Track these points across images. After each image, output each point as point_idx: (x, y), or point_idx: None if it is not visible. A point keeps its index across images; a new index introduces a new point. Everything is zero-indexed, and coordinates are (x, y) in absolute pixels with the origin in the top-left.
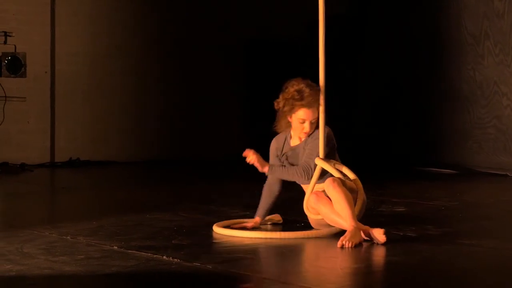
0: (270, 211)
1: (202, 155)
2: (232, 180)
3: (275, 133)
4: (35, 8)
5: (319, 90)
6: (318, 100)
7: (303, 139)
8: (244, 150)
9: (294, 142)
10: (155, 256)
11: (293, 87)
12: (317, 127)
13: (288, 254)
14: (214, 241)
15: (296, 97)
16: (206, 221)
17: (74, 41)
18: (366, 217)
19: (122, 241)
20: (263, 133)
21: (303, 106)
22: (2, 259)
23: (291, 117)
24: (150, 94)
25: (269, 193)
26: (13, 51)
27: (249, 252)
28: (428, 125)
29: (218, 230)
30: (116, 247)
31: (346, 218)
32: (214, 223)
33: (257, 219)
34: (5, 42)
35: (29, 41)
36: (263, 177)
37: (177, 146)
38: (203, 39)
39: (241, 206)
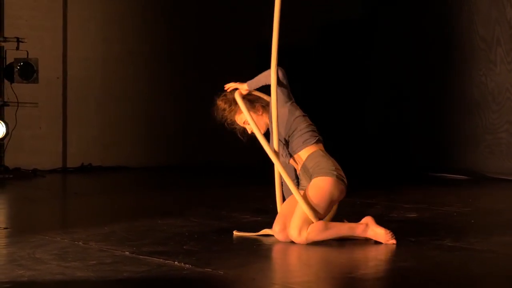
0: None
1: (213, 160)
2: (243, 186)
3: None
4: (47, 14)
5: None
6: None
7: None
8: (256, 156)
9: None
10: (166, 261)
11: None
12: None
13: (299, 260)
14: (225, 246)
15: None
16: (218, 226)
17: (86, 46)
18: (378, 223)
19: (133, 247)
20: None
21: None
22: (14, 264)
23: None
24: (161, 99)
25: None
26: (25, 57)
27: (262, 257)
28: (439, 130)
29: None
30: (127, 253)
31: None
32: (225, 228)
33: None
34: (17, 48)
35: (41, 47)
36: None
37: (189, 152)
38: (215, 44)
39: (252, 212)
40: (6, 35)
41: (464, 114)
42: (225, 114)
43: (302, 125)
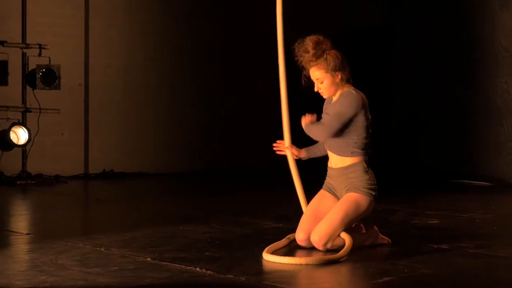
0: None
1: (235, 166)
2: (265, 192)
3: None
4: (69, 21)
5: (317, 49)
6: (315, 61)
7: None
8: (277, 161)
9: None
10: (188, 268)
11: (304, 43)
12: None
13: (321, 266)
14: (247, 253)
15: (301, 56)
16: (239, 233)
17: (108, 53)
18: (400, 229)
19: (155, 253)
20: (297, 143)
21: (306, 66)
22: (37, 270)
23: None
24: (183, 106)
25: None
26: (48, 63)
27: (284, 264)
28: (461, 137)
29: (268, 257)
30: (149, 259)
31: None
32: (247, 235)
33: (304, 149)
34: (39, 55)
35: (64, 53)
36: (294, 189)
37: (211, 158)
38: (237, 51)
39: (274, 218)
40: (28, 41)
41: (486, 121)
42: (305, 58)
43: (362, 134)
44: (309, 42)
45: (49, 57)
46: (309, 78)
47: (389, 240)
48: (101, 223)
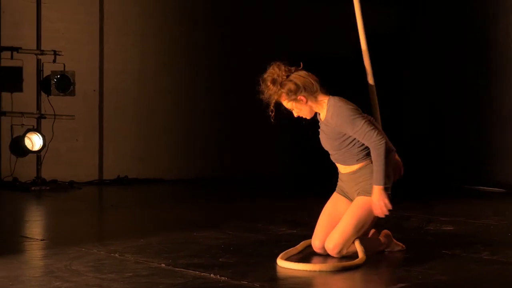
0: None
1: (249, 172)
2: (279, 198)
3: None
4: (84, 27)
5: (274, 82)
6: (277, 93)
7: (323, 117)
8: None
9: (321, 117)
10: (202, 274)
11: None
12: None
13: (336, 273)
14: (261, 259)
15: (264, 90)
16: (254, 239)
17: (123, 59)
18: (414, 236)
19: (169, 259)
20: (310, 150)
21: (272, 98)
22: (51, 276)
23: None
24: (197, 112)
25: None
26: (62, 69)
27: (299, 270)
28: (475, 143)
29: (283, 264)
30: (163, 265)
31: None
32: (261, 241)
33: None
34: (54, 61)
35: (78, 59)
36: (309, 195)
37: (225, 164)
38: (252, 56)
39: (288, 224)
40: (43, 48)
41: (500, 127)
42: (266, 95)
43: (359, 141)
44: (266, 78)
45: (64, 63)
46: (284, 109)
47: (404, 246)
48: (115, 229)
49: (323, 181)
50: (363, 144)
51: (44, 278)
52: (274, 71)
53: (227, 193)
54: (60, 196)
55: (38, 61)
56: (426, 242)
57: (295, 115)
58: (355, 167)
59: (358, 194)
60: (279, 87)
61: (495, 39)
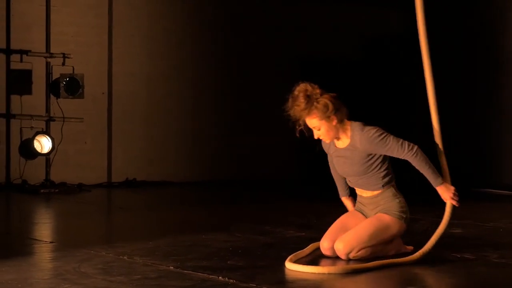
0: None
1: (258, 175)
2: (287, 201)
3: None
4: (92, 30)
5: (308, 99)
6: (307, 109)
7: (346, 143)
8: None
9: (339, 144)
10: (210, 276)
11: (292, 95)
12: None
13: (344, 276)
14: (270, 261)
15: (292, 107)
16: (262, 241)
17: (131, 62)
18: (423, 238)
19: (178, 262)
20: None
21: (298, 116)
22: (60, 278)
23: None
24: (206, 115)
25: (338, 175)
26: (71, 72)
27: (307, 272)
28: (486, 145)
29: (291, 266)
30: (172, 268)
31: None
32: (270, 243)
33: (344, 199)
34: (63, 64)
35: (87, 62)
36: (317, 198)
37: (234, 167)
38: (260, 60)
39: (296, 227)
40: (52, 51)
41: (508, 130)
42: (296, 111)
43: (386, 164)
44: (299, 94)
45: (73, 66)
46: (305, 128)
47: (412, 249)
48: (124, 232)
49: (330, 184)
50: (387, 168)
51: (53, 280)
52: (307, 88)
53: (236, 196)
54: (69, 198)
55: (47, 64)
56: (435, 245)
57: (317, 135)
58: (376, 192)
59: (378, 212)
60: (314, 103)
61: (506, 43)
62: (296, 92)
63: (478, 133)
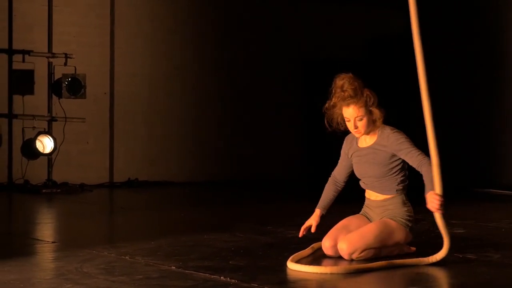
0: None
1: (260, 175)
2: (289, 201)
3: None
4: (94, 30)
5: (355, 87)
6: (355, 97)
7: (371, 142)
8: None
9: (362, 143)
10: (212, 276)
11: (335, 83)
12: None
13: (347, 276)
14: (271, 262)
15: (337, 94)
16: (264, 241)
17: (133, 62)
18: (425, 238)
19: (180, 262)
20: (321, 153)
21: (343, 103)
22: (62, 278)
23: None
24: (208, 115)
25: (333, 187)
26: (73, 72)
27: (308, 272)
28: (487, 145)
29: (293, 266)
30: (174, 267)
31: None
32: (271, 244)
33: (317, 211)
34: (65, 64)
35: (89, 62)
36: (318, 198)
37: (236, 167)
38: (262, 60)
39: (298, 227)
40: (54, 51)
41: (510, 130)
42: (343, 96)
43: (404, 170)
44: (347, 80)
45: (75, 66)
46: (334, 120)
47: (414, 249)
48: (126, 232)
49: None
50: (404, 175)
51: (55, 280)
52: (351, 78)
53: (237, 196)
54: (71, 198)
55: (49, 64)
56: (437, 245)
57: (355, 126)
58: (389, 196)
59: (384, 217)
60: (360, 93)
61: (508, 43)
62: (340, 81)
63: (479, 133)
